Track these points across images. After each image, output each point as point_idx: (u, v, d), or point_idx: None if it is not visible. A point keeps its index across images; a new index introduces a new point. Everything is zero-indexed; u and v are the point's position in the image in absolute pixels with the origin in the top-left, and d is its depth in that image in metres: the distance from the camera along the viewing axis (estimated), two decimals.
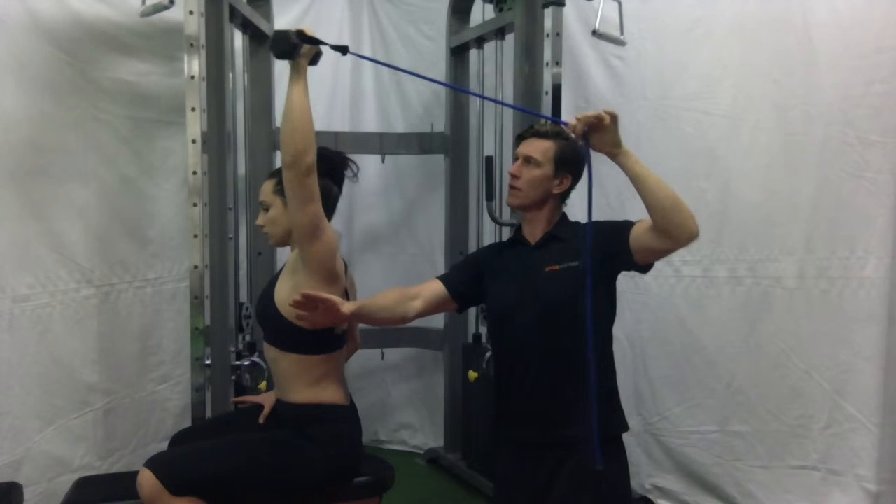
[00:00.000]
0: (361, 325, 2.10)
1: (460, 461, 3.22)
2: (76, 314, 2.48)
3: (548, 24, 2.44)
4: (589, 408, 1.59)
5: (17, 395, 2.28)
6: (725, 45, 2.66)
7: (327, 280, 1.77)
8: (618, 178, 1.75)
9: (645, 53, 2.82)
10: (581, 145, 1.58)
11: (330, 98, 3.46)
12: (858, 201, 2.45)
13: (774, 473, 2.63)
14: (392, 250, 3.62)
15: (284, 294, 1.80)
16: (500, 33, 2.95)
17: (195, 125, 2.23)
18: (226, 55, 2.44)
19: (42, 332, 2.35)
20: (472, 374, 2.95)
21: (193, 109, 2.23)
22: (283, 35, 1.63)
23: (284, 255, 1.97)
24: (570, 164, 1.78)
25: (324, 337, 1.83)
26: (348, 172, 1.93)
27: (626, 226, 1.69)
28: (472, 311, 3.16)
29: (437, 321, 3.28)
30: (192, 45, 2.22)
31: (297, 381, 1.85)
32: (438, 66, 3.27)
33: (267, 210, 1.88)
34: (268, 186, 1.89)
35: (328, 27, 3.41)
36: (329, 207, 1.85)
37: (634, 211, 1.68)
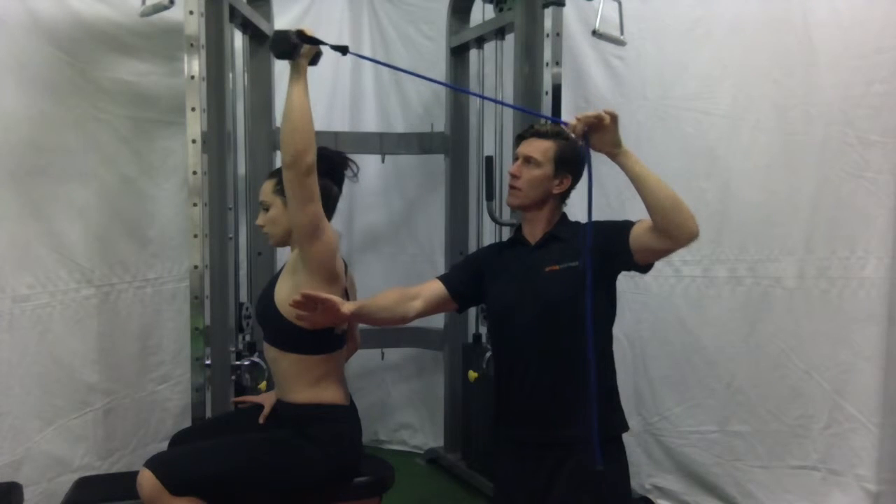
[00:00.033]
0: (361, 325, 2.10)
1: (460, 461, 3.22)
2: (76, 314, 2.48)
3: (548, 24, 2.44)
4: (589, 408, 1.59)
5: (17, 395, 2.28)
6: (725, 45, 2.66)
7: (327, 280, 1.77)
8: (618, 178, 1.75)
9: (645, 53, 2.82)
10: (581, 145, 1.58)
11: (330, 98, 3.46)
12: (858, 201, 2.45)
13: (774, 473, 2.63)
14: (392, 250, 3.62)
15: (284, 294, 1.80)
16: (500, 33, 2.95)
17: (195, 125, 2.23)
18: (226, 55, 2.44)
19: (42, 332, 2.35)
20: (472, 374, 2.95)
21: (193, 109, 2.23)
22: (283, 35, 1.63)
23: (284, 255, 1.97)
24: (570, 164, 1.78)
25: (324, 337, 1.83)
26: (348, 172, 1.93)
27: (626, 226, 1.69)
28: (472, 311, 3.16)
29: (437, 321, 3.28)
30: (192, 45, 2.22)
31: (297, 381, 1.85)
32: (438, 66, 3.27)
33: (267, 210, 1.88)
34: (268, 186, 1.89)
35: (328, 27, 3.41)
36: (329, 207, 1.85)
37: (634, 211, 1.68)
